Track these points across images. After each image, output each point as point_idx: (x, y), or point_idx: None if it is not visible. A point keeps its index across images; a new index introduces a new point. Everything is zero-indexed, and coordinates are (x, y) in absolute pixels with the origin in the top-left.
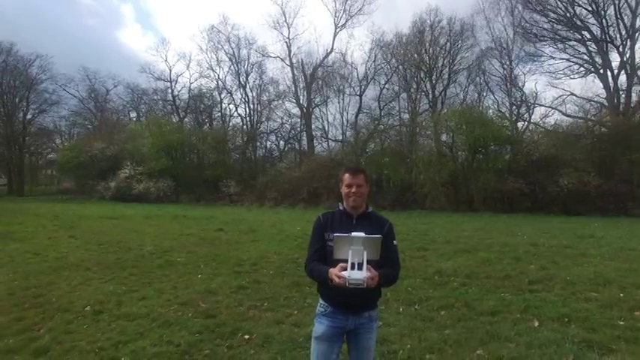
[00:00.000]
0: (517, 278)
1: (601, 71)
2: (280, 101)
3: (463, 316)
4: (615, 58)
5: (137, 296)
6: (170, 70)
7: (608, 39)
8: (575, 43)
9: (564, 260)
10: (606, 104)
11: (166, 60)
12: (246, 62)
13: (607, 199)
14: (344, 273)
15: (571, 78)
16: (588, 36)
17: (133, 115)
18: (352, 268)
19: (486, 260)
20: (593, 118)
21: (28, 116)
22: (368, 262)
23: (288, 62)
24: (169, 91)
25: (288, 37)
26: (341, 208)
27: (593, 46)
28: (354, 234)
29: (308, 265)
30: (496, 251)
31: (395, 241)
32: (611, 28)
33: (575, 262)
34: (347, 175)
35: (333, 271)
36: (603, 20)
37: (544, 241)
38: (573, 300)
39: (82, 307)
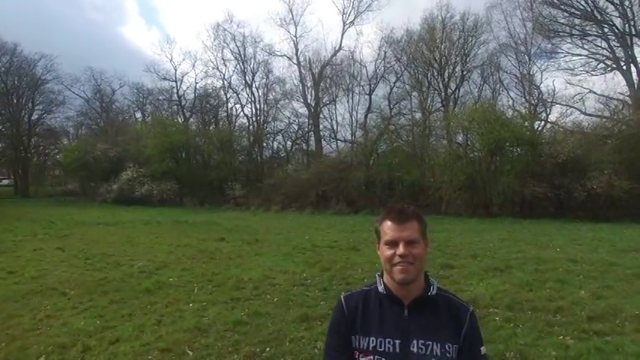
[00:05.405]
0: (571, 311)
1: (624, 67)
2: (287, 101)
3: None
4: None
5: (110, 337)
6: (175, 70)
7: (633, 32)
8: (595, 37)
9: (619, 284)
10: (629, 102)
11: (171, 59)
12: (252, 61)
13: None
14: None
15: (592, 74)
16: (609, 30)
17: (139, 115)
18: None
19: (525, 284)
20: (615, 116)
21: (34, 117)
22: None
23: (295, 61)
24: (175, 90)
25: (295, 35)
26: (380, 287)
27: (615, 41)
28: None
29: None
30: (532, 270)
31: (483, 348)
32: (636, 21)
33: (634, 289)
34: (388, 225)
35: None
36: (628, 11)
37: (583, 255)
38: None
39: (35, 356)
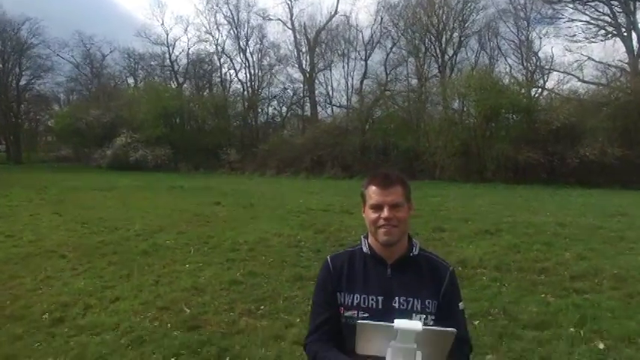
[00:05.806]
0: (555, 272)
1: (624, 34)
2: (282, 66)
3: (505, 329)
4: None
5: (110, 296)
6: (167, 34)
7: None
8: (597, 2)
9: (603, 246)
10: (628, 69)
11: (163, 23)
12: (246, 25)
13: (630, 170)
14: None
15: (592, 41)
16: None
17: (131, 81)
18: None
19: (513, 246)
20: (613, 84)
21: (23, 82)
22: None
23: (289, 25)
24: (167, 56)
25: None
26: (364, 247)
27: (618, 6)
28: (399, 324)
29: (310, 346)
30: (522, 233)
31: (461, 304)
32: None
33: (616, 250)
34: (373, 189)
35: None
36: None
37: (571, 220)
38: (637, 307)
39: (39, 313)
